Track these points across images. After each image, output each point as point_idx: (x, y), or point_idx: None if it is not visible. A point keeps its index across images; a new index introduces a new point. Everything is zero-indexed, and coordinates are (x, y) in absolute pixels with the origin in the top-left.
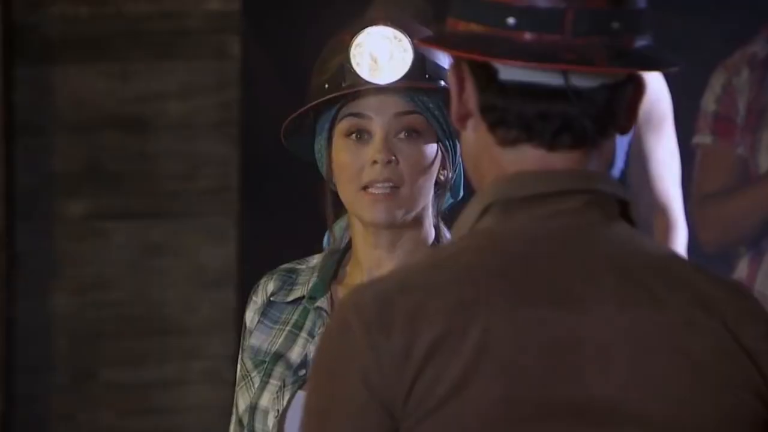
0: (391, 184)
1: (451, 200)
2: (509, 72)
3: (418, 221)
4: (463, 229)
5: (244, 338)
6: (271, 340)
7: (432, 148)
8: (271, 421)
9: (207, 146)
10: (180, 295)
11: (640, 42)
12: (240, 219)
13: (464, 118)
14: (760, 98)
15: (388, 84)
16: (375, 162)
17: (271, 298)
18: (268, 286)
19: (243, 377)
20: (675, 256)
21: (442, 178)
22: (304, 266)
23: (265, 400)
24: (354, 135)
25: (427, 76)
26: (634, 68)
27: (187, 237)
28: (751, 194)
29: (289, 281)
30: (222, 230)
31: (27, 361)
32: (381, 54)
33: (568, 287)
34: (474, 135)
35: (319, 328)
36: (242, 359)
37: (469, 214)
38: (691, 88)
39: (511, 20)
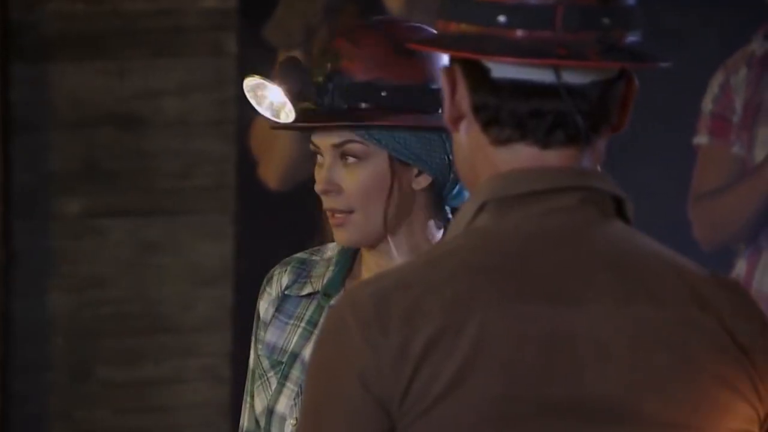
0: (339, 210)
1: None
2: (501, 70)
3: (409, 228)
4: (458, 227)
5: (258, 328)
6: (287, 337)
7: (380, 170)
8: (288, 428)
9: (204, 144)
10: (177, 292)
11: (631, 38)
12: (237, 217)
13: (457, 120)
14: (757, 95)
15: (291, 124)
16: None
17: (286, 292)
18: (282, 278)
19: (260, 376)
20: (671, 254)
21: (416, 186)
22: (318, 257)
23: (282, 406)
24: (317, 155)
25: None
26: (626, 63)
27: (184, 235)
28: (741, 189)
29: (303, 274)
30: (219, 228)
31: (24, 359)
32: (276, 100)
33: (563, 284)
34: (467, 136)
35: None
36: (257, 355)
37: (464, 213)
38: (691, 88)
39: (502, 18)
